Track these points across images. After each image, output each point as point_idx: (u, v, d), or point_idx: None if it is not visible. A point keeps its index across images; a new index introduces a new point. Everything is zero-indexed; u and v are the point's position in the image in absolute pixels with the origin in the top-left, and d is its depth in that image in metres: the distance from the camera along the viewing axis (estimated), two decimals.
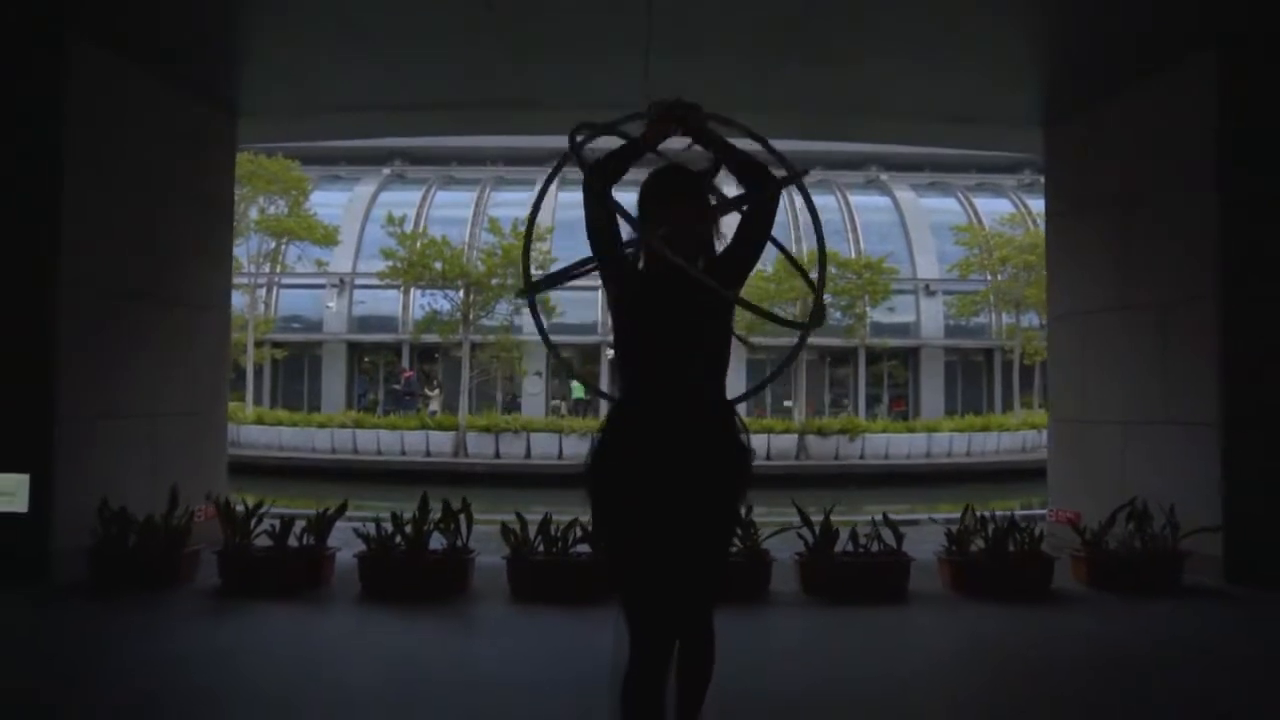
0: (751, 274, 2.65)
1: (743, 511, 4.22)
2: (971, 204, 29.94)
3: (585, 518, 4.60)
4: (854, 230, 28.56)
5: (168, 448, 6.81)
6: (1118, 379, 7.03)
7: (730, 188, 2.69)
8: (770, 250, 2.74)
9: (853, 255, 24.57)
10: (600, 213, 2.54)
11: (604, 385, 26.68)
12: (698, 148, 2.70)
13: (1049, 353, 8.40)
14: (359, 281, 27.53)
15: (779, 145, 2.89)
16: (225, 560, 5.68)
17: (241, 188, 13.60)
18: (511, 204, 26.15)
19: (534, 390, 27.15)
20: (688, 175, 2.59)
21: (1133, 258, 6.91)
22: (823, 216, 2.95)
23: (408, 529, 5.65)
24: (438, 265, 20.70)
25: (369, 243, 26.29)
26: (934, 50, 6.46)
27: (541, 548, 5.63)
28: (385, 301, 27.47)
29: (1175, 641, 4.79)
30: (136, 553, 5.67)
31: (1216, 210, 6.04)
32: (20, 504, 5.49)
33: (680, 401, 2.50)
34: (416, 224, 25.41)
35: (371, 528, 5.72)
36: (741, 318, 2.78)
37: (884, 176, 31.37)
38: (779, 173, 2.65)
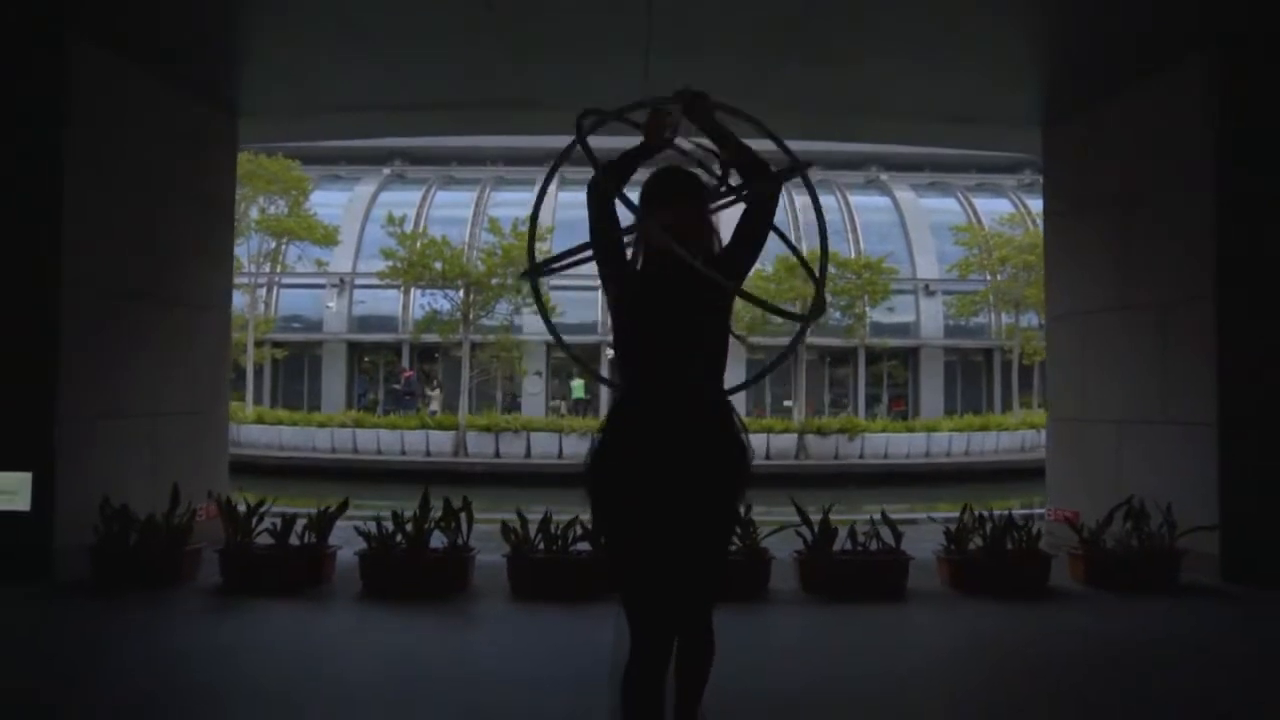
0: (751, 274, 2.66)
1: (742, 510, 4.24)
2: (971, 204, 29.97)
3: (585, 516, 4.62)
4: (854, 230, 28.58)
5: (169, 447, 6.83)
6: (1116, 379, 7.05)
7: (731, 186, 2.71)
8: (770, 250, 2.76)
9: (852, 255, 24.59)
10: (605, 213, 2.57)
11: (603, 387, 26.69)
12: (705, 147, 2.71)
13: (1048, 352, 8.42)
14: (359, 281, 27.56)
15: (773, 146, 2.90)
16: (227, 558, 5.70)
17: (241, 187, 13.61)
18: (511, 204, 26.16)
19: (534, 390, 27.17)
20: (688, 176, 2.61)
21: (1132, 258, 6.93)
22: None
23: (408, 527, 5.67)
24: (438, 265, 20.73)
25: (369, 243, 26.32)
26: (934, 50, 6.48)
27: (542, 546, 5.66)
28: (385, 301, 27.49)
29: (1172, 639, 4.81)
30: (138, 551, 5.69)
31: (1216, 210, 6.05)
32: (23, 502, 5.51)
33: (680, 401, 2.51)
34: (416, 224, 25.44)
35: (372, 526, 5.74)
36: (741, 318, 2.80)
37: (884, 176, 31.39)
38: (780, 168, 2.66)
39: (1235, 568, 5.81)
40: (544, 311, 3.20)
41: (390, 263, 21.71)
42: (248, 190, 19.99)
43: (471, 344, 21.80)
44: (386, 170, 31.23)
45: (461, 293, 20.86)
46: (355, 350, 28.61)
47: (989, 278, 25.36)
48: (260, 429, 21.05)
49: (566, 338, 3.28)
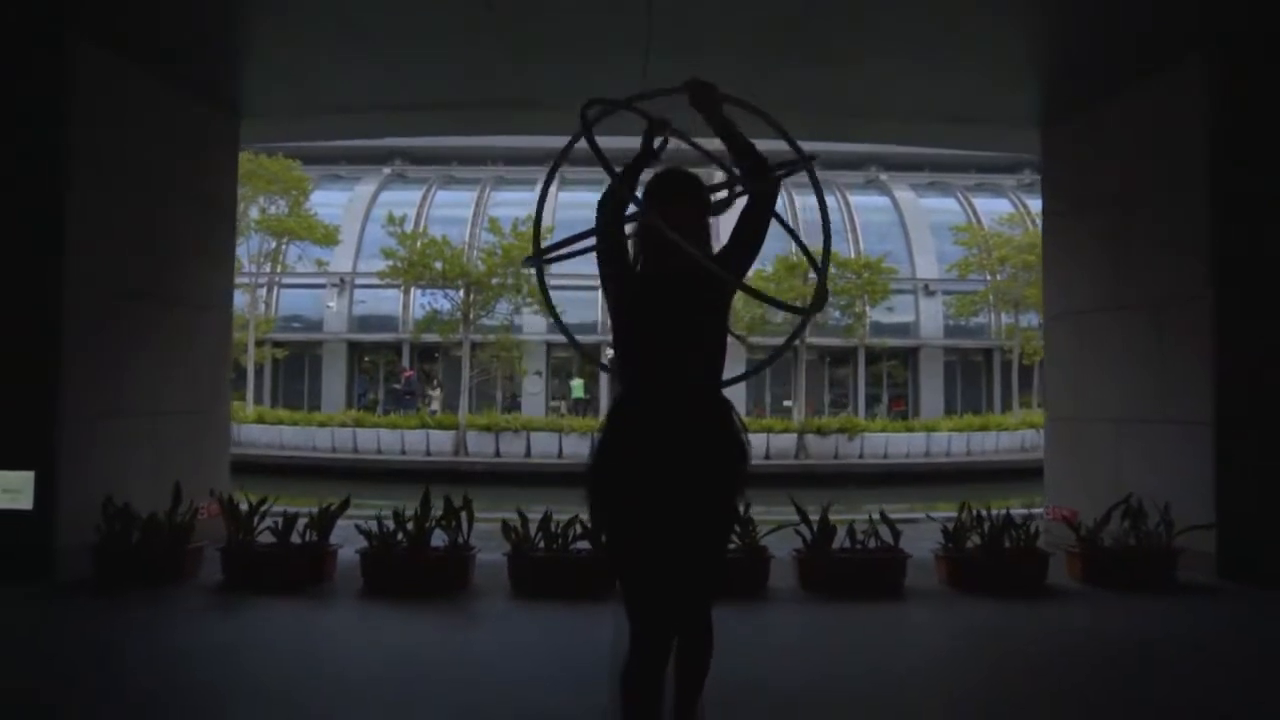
0: (750, 274, 2.68)
1: (741, 508, 4.26)
2: (971, 204, 29.98)
3: (585, 515, 4.64)
4: (853, 230, 28.59)
5: (170, 446, 6.85)
6: (1114, 378, 7.07)
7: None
8: (769, 249, 2.78)
9: (852, 255, 24.59)
10: (617, 219, 2.60)
11: (603, 387, 26.71)
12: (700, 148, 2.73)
13: (1046, 352, 8.44)
14: (359, 281, 27.57)
15: (776, 145, 2.92)
16: (228, 557, 5.72)
17: (242, 187, 13.59)
18: (512, 204, 26.18)
19: (534, 390, 27.19)
20: (689, 177, 2.64)
21: (1131, 257, 6.94)
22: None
23: (409, 526, 5.69)
24: (438, 265, 20.74)
25: (369, 242, 26.33)
26: (934, 50, 6.49)
27: (542, 544, 5.68)
28: (385, 301, 27.50)
29: (1169, 637, 4.83)
30: (140, 549, 5.71)
31: (1214, 210, 6.07)
32: (25, 501, 5.54)
33: (679, 401, 2.53)
34: (417, 224, 25.46)
35: (373, 525, 5.76)
36: (741, 318, 2.82)
37: (884, 176, 31.40)
38: (778, 163, 2.67)
39: (1232, 566, 5.84)
40: (547, 298, 3.19)
41: (390, 262, 21.72)
42: (248, 190, 20.00)
43: (471, 344, 21.82)
44: (387, 170, 31.25)
45: (462, 292, 20.87)
46: (355, 350, 28.63)
47: (989, 278, 25.38)
48: (261, 429, 21.06)
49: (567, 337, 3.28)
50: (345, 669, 4.20)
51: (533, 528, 5.74)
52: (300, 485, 14.13)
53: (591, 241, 2.72)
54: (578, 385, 26.68)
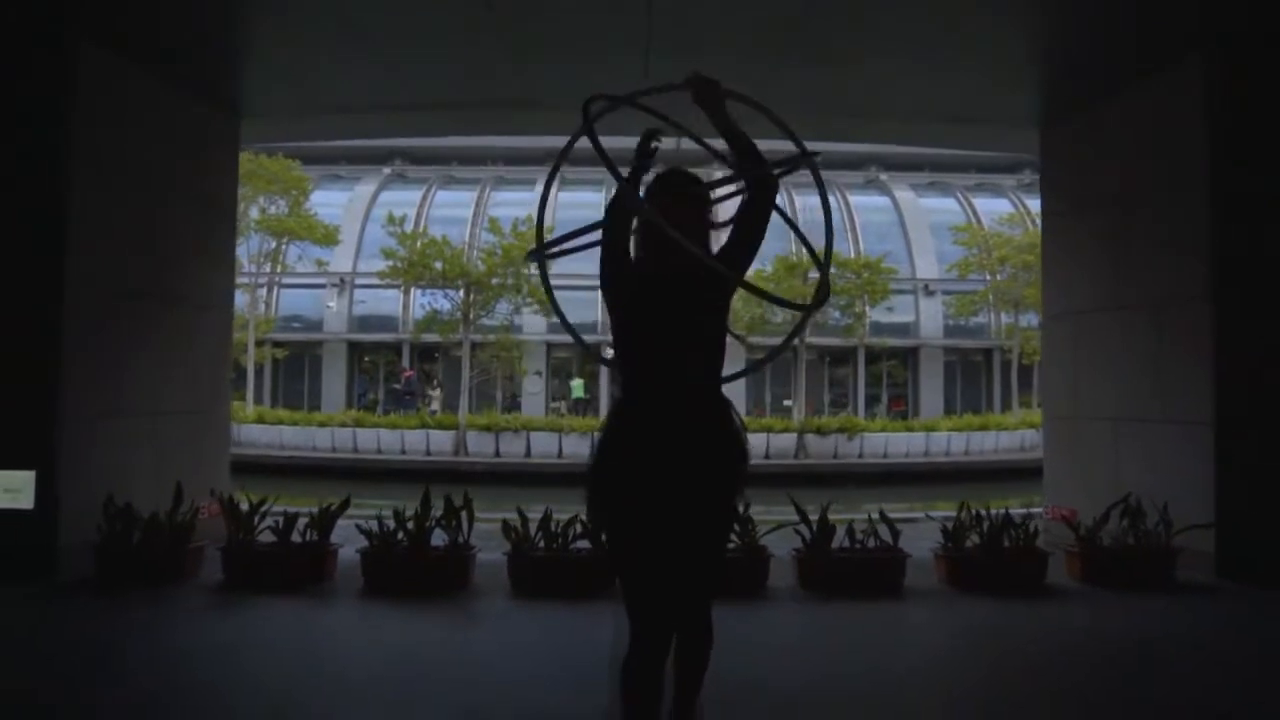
0: (749, 274, 2.69)
1: (740, 508, 4.27)
2: (971, 204, 29.98)
3: (585, 514, 4.65)
4: (853, 230, 28.59)
5: (170, 446, 6.86)
6: (1112, 378, 7.08)
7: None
8: (769, 249, 2.79)
9: (852, 255, 24.59)
10: (624, 224, 2.61)
11: (603, 386, 26.74)
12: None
13: (1044, 352, 8.45)
14: (359, 281, 27.57)
15: (777, 145, 2.92)
16: (229, 556, 5.73)
17: (242, 187, 13.60)
18: (511, 204, 26.19)
19: (534, 390, 27.19)
20: (690, 177, 2.65)
21: (1130, 257, 6.95)
22: (820, 218, 2.97)
23: (410, 525, 5.69)
24: (438, 265, 20.74)
25: (369, 242, 26.33)
26: (934, 50, 6.50)
27: (542, 544, 5.68)
28: (385, 301, 27.50)
29: (1167, 636, 4.84)
30: (141, 549, 5.72)
31: (1214, 210, 6.08)
32: (26, 501, 5.54)
33: (679, 400, 2.54)
34: (417, 224, 25.46)
35: (374, 524, 5.77)
36: (741, 317, 2.83)
37: (883, 176, 31.40)
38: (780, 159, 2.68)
39: (1230, 565, 5.85)
40: (550, 293, 3.20)
41: (390, 262, 21.72)
42: (248, 190, 20.00)
43: (471, 344, 21.82)
44: (387, 170, 31.25)
45: (461, 292, 20.88)
46: (355, 350, 28.63)
47: (988, 277, 25.38)
48: (261, 429, 21.06)
49: (567, 338, 3.29)
50: (346, 668, 4.21)
51: (533, 527, 5.75)
52: (300, 485, 14.13)
53: (593, 237, 2.73)
54: (578, 385, 26.69)
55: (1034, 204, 25.69)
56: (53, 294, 5.75)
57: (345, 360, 28.08)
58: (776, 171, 2.64)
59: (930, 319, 28.45)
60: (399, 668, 4.14)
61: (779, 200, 2.67)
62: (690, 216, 2.57)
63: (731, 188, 2.90)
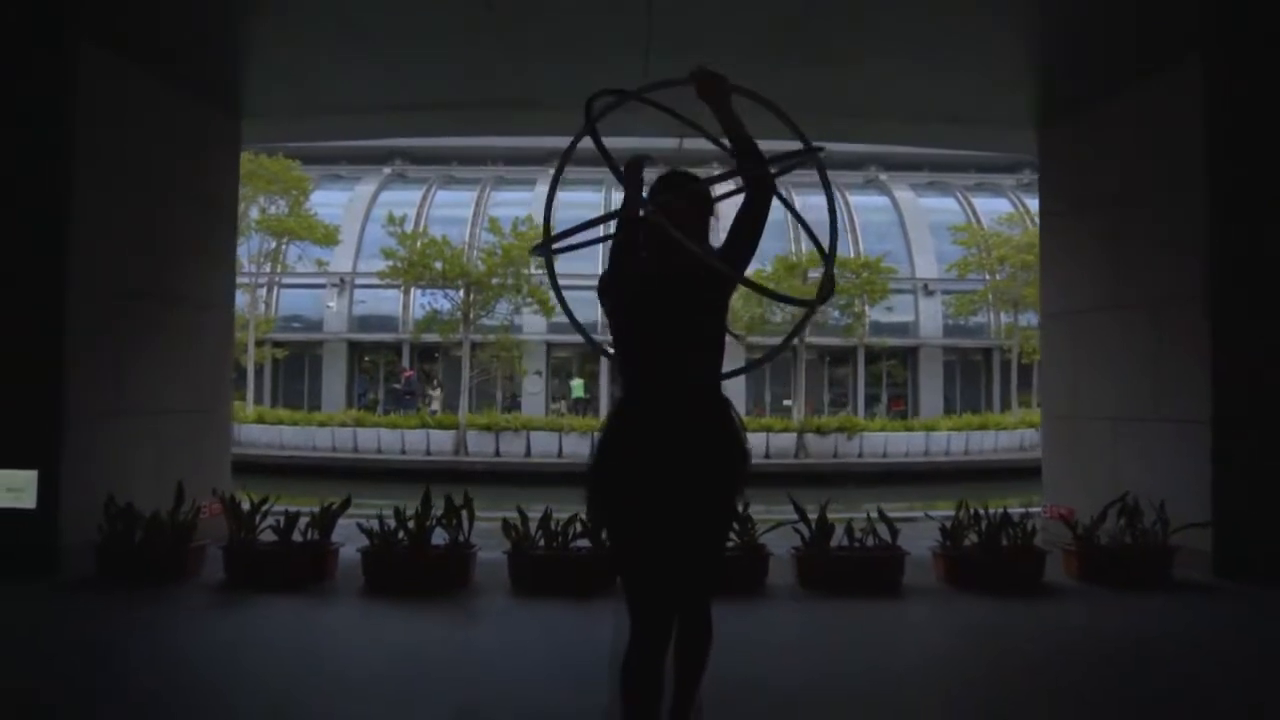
0: (749, 273, 2.70)
1: (740, 506, 4.29)
2: (970, 204, 30.00)
3: (585, 513, 4.66)
4: (853, 230, 28.60)
5: (172, 445, 6.87)
6: (1111, 377, 7.09)
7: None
8: (769, 249, 2.81)
9: (852, 255, 24.61)
10: (635, 235, 2.63)
11: (603, 386, 26.75)
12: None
13: (1043, 351, 8.46)
14: (359, 281, 27.58)
15: (777, 145, 2.94)
16: (230, 555, 5.74)
17: (242, 187, 13.62)
18: (512, 204, 26.21)
19: (534, 389, 27.20)
20: (691, 178, 2.67)
21: (1129, 257, 6.96)
22: (822, 217, 2.98)
23: (410, 524, 5.71)
24: (438, 265, 20.76)
25: (369, 242, 26.35)
26: (933, 50, 6.51)
27: (542, 543, 5.70)
28: (385, 301, 27.51)
29: (1165, 635, 4.86)
30: (143, 548, 5.74)
31: (1213, 210, 6.09)
32: (29, 500, 5.56)
33: (679, 400, 2.56)
34: (417, 224, 25.47)
35: (374, 523, 5.78)
36: (740, 317, 2.84)
37: (883, 176, 31.41)
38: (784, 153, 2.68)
39: (1228, 564, 5.86)
40: (556, 287, 3.20)
41: (390, 262, 21.73)
42: (248, 190, 20.00)
43: (472, 344, 21.84)
44: (387, 170, 31.26)
45: (461, 292, 20.89)
46: (355, 350, 28.64)
47: (988, 277, 25.39)
48: (261, 428, 21.08)
49: (566, 338, 3.30)
50: (347, 667, 4.22)
51: (533, 526, 5.77)
52: (301, 485, 14.14)
53: (598, 233, 2.73)
54: (578, 385, 26.70)
55: (1033, 203, 25.63)
56: (54, 294, 5.77)
57: (345, 360, 28.09)
58: (783, 165, 2.65)
59: (930, 319, 28.47)
60: (400, 666, 4.16)
61: (784, 195, 2.67)
62: (691, 216, 2.59)
63: (731, 185, 2.92)
